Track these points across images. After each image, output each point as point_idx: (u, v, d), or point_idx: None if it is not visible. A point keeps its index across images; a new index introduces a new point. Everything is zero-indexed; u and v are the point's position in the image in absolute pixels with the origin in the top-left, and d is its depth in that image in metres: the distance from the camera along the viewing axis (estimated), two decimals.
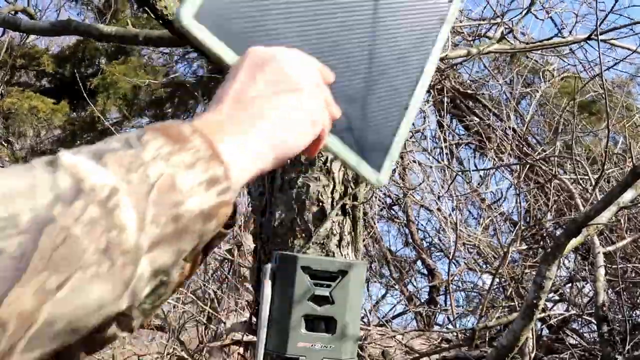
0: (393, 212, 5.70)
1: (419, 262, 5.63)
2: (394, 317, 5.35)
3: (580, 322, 4.49)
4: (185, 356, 4.88)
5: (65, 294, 0.46)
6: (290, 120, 0.62)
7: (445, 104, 4.73)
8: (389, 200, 5.55)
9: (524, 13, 2.80)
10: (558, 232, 4.35)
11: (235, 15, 0.68)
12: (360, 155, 0.76)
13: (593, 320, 3.58)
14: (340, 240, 1.65)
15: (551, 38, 2.81)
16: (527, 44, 2.71)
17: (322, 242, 1.62)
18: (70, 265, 0.46)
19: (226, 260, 5.42)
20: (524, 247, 4.78)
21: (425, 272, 5.58)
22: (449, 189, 4.66)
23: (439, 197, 4.83)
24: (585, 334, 4.47)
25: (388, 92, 0.82)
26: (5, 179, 0.47)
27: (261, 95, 0.61)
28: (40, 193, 0.46)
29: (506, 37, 2.61)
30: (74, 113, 6.89)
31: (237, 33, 0.68)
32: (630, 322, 3.36)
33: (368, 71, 0.80)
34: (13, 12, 3.03)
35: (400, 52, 0.84)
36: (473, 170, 5.33)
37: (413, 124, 4.76)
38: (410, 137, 4.82)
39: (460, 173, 5.05)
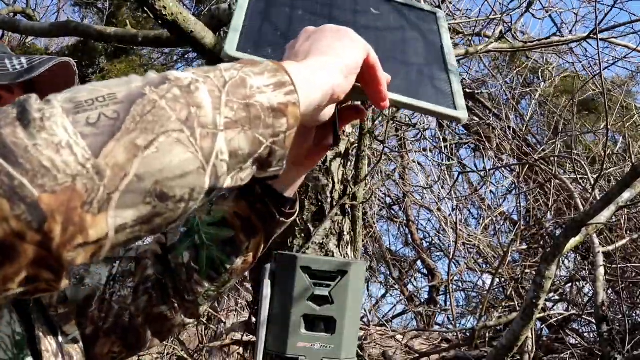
0: (393, 212, 5.70)
1: (419, 262, 5.63)
2: (394, 317, 5.36)
3: (580, 322, 4.49)
4: (185, 356, 4.88)
5: (152, 152, 0.53)
6: (343, 63, 0.70)
7: None
8: (389, 200, 5.56)
9: (522, 12, 2.80)
10: (558, 232, 4.35)
11: (267, 38, 0.82)
12: (432, 102, 0.78)
13: (593, 320, 3.58)
14: (339, 240, 1.65)
15: (550, 37, 2.81)
16: (525, 42, 2.71)
17: (321, 242, 1.62)
18: (156, 128, 0.53)
19: None
20: (524, 247, 4.78)
21: (425, 272, 5.59)
22: (450, 190, 4.66)
23: (439, 198, 4.83)
24: (585, 334, 4.48)
25: (419, 60, 0.87)
26: (107, 81, 0.56)
27: (325, 41, 0.71)
28: (134, 82, 0.56)
29: (505, 36, 2.60)
30: None
31: (272, 48, 0.80)
32: (630, 321, 3.36)
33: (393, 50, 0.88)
34: (12, 14, 3.02)
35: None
36: (473, 171, 5.33)
37: (413, 125, 4.76)
38: (412, 136, 4.83)
39: (460, 173, 5.06)
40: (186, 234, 0.91)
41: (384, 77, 0.74)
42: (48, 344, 0.77)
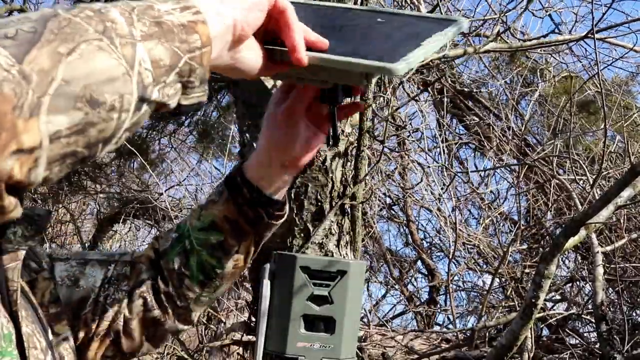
0: (393, 212, 5.70)
1: (419, 262, 5.63)
2: (393, 317, 5.36)
3: (580, 322, 4.49)
4: (185, 356, 4.88)
5: (75, 57, 0.54)
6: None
7: (445, 103, 4.73)
8: (388, 200, 5.56)
9: (521, 11, 2.80)
10: (558, 232, 4.35)
11: None
12: (368, 57, 0.73)
13: (592, 320, 3.58)
14: (339, 240, 1.66)
15: (547, 35, 2.81)
16: (524, 41, 2.71)
17: (320, 242, 1.63)
18: (76, 38, 0.55)
19: None
20: (524, 247, 4.78)
21: (425, 272, 5.58)
22: (447, 188, 4.66)
23: (439, 198, 4.83)
24: (585, 334, 4.48)
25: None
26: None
27: None
28: (45, 10, 0.57)
29: (504, 35, 2.61)
30: None
31: None
32: (629, 321, 3.36)
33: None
34: (9, 12, 3.02)
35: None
36: (472, 171, 5.33)
37: (411, 124, 4.75)
38: (410, 136, 4.83)
39: (460, 173, 5.06)
40: (177, 240, 0.91)
41: (298, 26, 0.74)
42: (37, 340, 0.78)
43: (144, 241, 6.88)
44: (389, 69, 0.71)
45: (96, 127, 0.56)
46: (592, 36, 2.52)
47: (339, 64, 0.74)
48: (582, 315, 4.07)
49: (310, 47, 0.75)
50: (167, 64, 0.61)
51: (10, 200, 0.53)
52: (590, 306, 3.69)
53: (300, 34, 0.74)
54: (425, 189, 5.02)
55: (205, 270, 0.90)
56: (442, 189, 4.73)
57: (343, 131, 1.64)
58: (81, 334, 0.89)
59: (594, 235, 3.06)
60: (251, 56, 0.74)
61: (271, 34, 0.76)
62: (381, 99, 2.59)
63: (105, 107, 0.55)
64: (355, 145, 1.67)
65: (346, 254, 1.65)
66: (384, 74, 0.74)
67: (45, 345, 0.79)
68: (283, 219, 0.93)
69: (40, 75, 0.52)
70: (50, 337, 0.82)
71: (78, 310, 0.89)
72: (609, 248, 3.44)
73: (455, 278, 5.03)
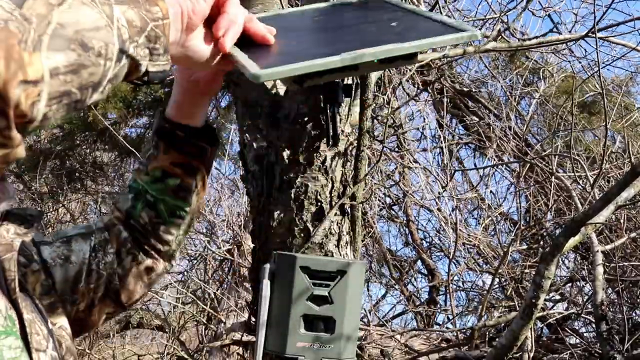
0: (393, 212, 5.69)
1: (419, 262, 5.63)
2: (393, 317, 5.35)
3: (579, 322, 4.49)
4: (185, 356, 4.88)
5: (65, 7, 0.61)
6: None
7: (445, 103, 4.72)
8: (388, 200, 5.55)
9: (520, 10, 2.80)
10: (558, 232, 4.35)
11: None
12: (259, 61, 0.78)
13: (592, 320, 3.58)
14: (339, 240, 1.65)
15: (546, 34, 2.81)
16: (524, 40, 2.71)
17: (320, 242, 1.62)
18: None
19: (226, 261, 5.42)
20: (524, 247, 4.78)
21: (425, 272, 5.58)
22: (446, 187, 4.66)
23: (439, 197, 4.83)
24: (584, 334, 4.47)
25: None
26: None
27: None
28: None
29: (504, 35, 2.61)
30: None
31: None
32: (629, 321, 3.36)
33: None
34: None
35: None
36: (472, 169, 5.33)
37: (407, 124, 4.75)
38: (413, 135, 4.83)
39: (459, 172, 5.06)
40: (135, 198, 0.98)
41: (231, 15, 0.80)
42: (38, 328, 0.80)
43: None
44: (248, 75, 0.75)
45: (87, 69, 0.62)
46: (593, 35, 2.52)
47: (235, 58, 0.79)
48: (582, 315, 4.07)
49: (254, 36, 0.82)
50: (139, 26, 0.68)
51: (16, 134, 0.58)
52: (590, 306, 3.68)
53: (227, 21, 0.80)
54: (426, 189, 5.01)
55: (176, 213, 0.98)
56: (442, 187, 4.73)
57: (343, 131, 1.63)
58: (82, 305, 0.94)
59: (594, 235, 3.05)
60: (199, 45, 0.80)
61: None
62: (381, 99, 2.59)
63: (94, 52, 0.62)
64: (355, 145, 1.67)
65: (346, 254, 1.65)
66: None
67: (46, 333, 0.81)
68: (220, 139, 1.02)
69: (39, 18, 0.58)
70: (50, 325, 0.83)
71: (76, 284, 0.93)
72: (608, 247, 3.44)
73: (455, 278, 5.03)
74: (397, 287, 5.42)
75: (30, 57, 0.57)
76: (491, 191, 5.24)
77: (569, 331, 4.22)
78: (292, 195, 1.58)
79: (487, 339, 3.57)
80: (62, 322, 0.90)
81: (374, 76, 1.68)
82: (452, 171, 4.73)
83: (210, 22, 0.81)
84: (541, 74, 5.34)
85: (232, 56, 0.80)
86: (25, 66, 0.56)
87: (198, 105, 0.96)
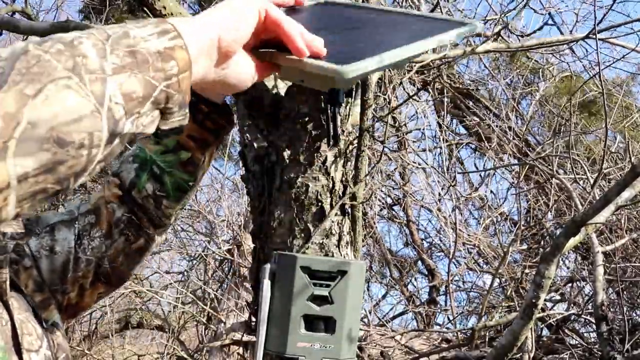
0: (393, 212, 5.69)
1: (419, 262, 5.63)
2: (393, 317, 5.35)
3: (580, 322, 4.49)
4: (185, 356, 4.88)
5: (41, 100, 0.54)
6: (228, 14, 0.72)
7: (445, 103, 4.72)
8: (389, 200, 5.55)
9: (520, 8, 2.80)
10: (558, 232, 4.35)
11: None
12: (335, 62, 0.75)
13: (593, 320, 3.58)
14: (339, 240, 1.65)
15: (541, 27, 2.82)
16: (524, 40, 2.71)
17: (321, 242, 1.62)
18: (43, 78, 0.54)
19: (226, 261, 5.42)
20: (524, 247, 4.78)
21: (426, 272, 5.58)
22: (448, 190, 4.65)
23: (439, 198, 4.83)
24: (585, 334, 4.47)
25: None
26: None
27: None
28: (18, 45, 0.56)
29: (504, 35, 2.61)
30: None
31: None
32: (629, 321, 3.36)
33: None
34: (11, 13, 3.01)
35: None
36: (473, 172, 5.33)
37: (406, 125, 4.74)
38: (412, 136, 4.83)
39: (460, 173, 5.05)
40: (140, 169, 0.95)
41: (297, 30, 0.75)
42: (32, 327, 0.79)
43: None
44: (338, 73, 0.73)
45: (65, 164, 0.56)
46: (594, 36, 2.52)
47: (312, 67, 0.76)
48: (582, 316, 4.06)
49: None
50: (141, 95, 0.61)
51: None
52: (590, 306, 3.68)
53: (300, 38, 0.76)
54: (426, 189, 5.01)
55: (180, 186, 0.95)
56: (442, 189, 4.73)
57: (343, 131, 1.64)
58: (74, 293, 0.93)
59: (594, 235, 3.05)
60: (240, 70, 0.76)
61: (265, 39, 0.78)
62: (381, 99, 2.59)
63: (74, 146, 0.56)
64: (356, 145, 1.67)
65: (347, 254, 1.65)
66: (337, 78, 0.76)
67: (40, 332, 0.80)
68: (233, 126, 1.00)
69: (6, 119, 0.52)
70: (44, 324, 0.83)
71: (64, 274, 0.92)
72: (609, 248, 3.44)
73: (456, 278, 5.03)
74: (397, 287, 5.42)
75: None
76: (491, 191, 5.25)
77: (569, 331, 4.22)
78: (293, 196, 1.58)
79: (487, 339, 3.57)
80: (54, 319, 0.89)
81: (374, 76, 1.68)
82: (454, 176, 4.72)
83: (256, 43, 0.78)
84: (541, 74, 5.33)
85: (304, 64, 0.76)
86: None
87: (218, 83, 0.93)
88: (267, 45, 0.78)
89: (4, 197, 0.54)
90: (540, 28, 2.88)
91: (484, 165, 5.25)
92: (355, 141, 1.66)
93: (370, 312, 4.57)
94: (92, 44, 0.59)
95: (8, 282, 0.78)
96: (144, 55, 0.62)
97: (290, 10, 0.93)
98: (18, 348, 0.75)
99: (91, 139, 0.58)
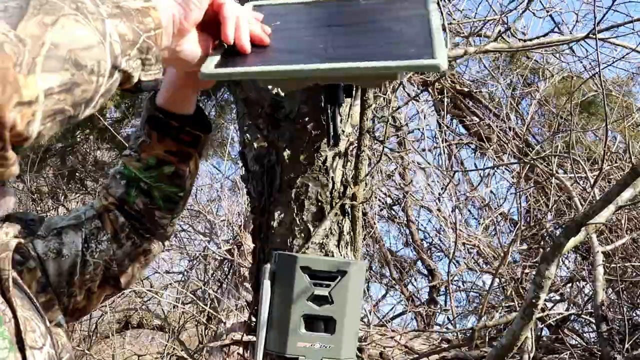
0: (393, 212, 5.69)
1: (419, 262, 5.63)
2: (393, 318, 5.35)
3: (580, 322, 4.49)
4: (185, 356, 4.88)
5: (58, 27, 0.62)
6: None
7: (445, 103, 4.72)
8: (389, 200, 5.55)
9: (521, 11, 2.80)
10: (558, 232, 4.35)
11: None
12: (399, 59, 0.76)
13: (593, 320, 3.58)
14: (339, 240, 1.65)
15: (547, 34, 2.81)
16: (525, 41, 2.71)
17: (321, 242, 1.62)
18: (56, 12, 0.62)
19: (226, 261, 5.42)
20: (524, 247, 4.78)
21: (425, 272, 5.58)
22: (446, 188, 4.65)
23: (439, 198, 4.82)
24: (584, 334, 4.47)
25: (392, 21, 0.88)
26: None
27: None
28: None
29: (504, 36, 2.61)
30: None
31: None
32: (629, 321, 3.36)
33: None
34: None
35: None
36: (472, 170, 5.33)
37: (408, 125, 4.74)
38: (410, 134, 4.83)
39: (459, 172, 5.06)
40: (128, 185, 0.99)
41: (233, 16, 0.83)
42: (35, 325, 0.80)
43: None
44: (438, 66, 0.74)
45: (80, 87, 0.63)
46: (594, 36, 2.52)
47: (359, 69, 0.77)
48: (582, 316, 4.06)
49: (252, 39, 0.84)
50: (131, 39, 0.69)
51: (12, 154, 0.60)
52: (590, 306, 3.68)
53: (232, 26, 0.83)
54: (426, 189, 5.01)
55: (171, 199, 0.99)
56: (442, 188, 4.73)
57: (343, 131, 1.63)
58: (80, 296, 0.95)
59: (594, 236, 3.05)
60: (191, 48, 0.83)
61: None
62: (381, 99, 2.59)
63: (87, 70, 0.64)
64: (356, 145, 1.67)
65: (346, 254, 1.65)
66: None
67: (44, 330, 0.81)
68: (212, 125, 1.04)
69: (33, 39, 0.59)
70: (48, 323, 0.83)
71: (71, 277, 0.93)
72: (609, 248, 3.44)
73: (456, 278, 5.03)
74: (397, 287, 5.41)
75: (25, 79, 0.58)
76: (491, 191, 5.25)
77: (569, 331, 4.22)
78: (293, 196, 1.58)
79: (487, 339, 3.57)
80: (58, 319, 0.90)
81: None
82: (453, 173, 4.72)
83: (205, 24, 0.84)
84: (541, 74, 5.33)
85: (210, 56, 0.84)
86: (20, 89, 0.57)
87: (190, 95, 0.97)
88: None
89: (33, 110, 0.59)
90: (546, 35, 2.87)
91: (484, 165, 5.25)
92: (356, 141, 1.66)
93: (370, 312, 4.57)
94: None
95: (11, 280, 0.78)
96: (128, 9, 0.70)
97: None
98: (21, 345, 0.75)
99: (99, 67, 0.65)
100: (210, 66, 0.81)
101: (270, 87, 1.57)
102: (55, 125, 0.64)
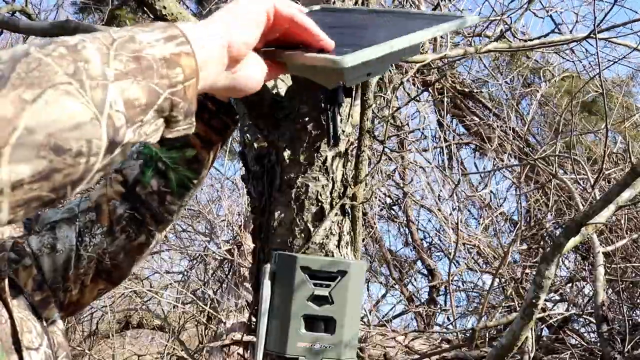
0: (393, 212, 5.69)
1: (419, 262, 5.63)
2: (394, 317, 5.35)
3: (580, 322, 4.49)
4: (185, 356, 4.88)
5: (40, 105, 0.52)
6: (237, 18, 0.71)
7: (446, 103, 4.72)
8: (389, 200, 5.55)
9: (522, 11, 2.80)
10: (558, 232, 4.35)
11: None
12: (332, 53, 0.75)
13: (593, 320, 3.58)
14: (339, 240, 1.65)
15: (548, 34, 2.81)
16: (525, 41, 2.70)
17: (321, 242, 1.62)
18: (43, 83, 0.53)
19: (226, 261, 5.42)
20: (524, 247, 4.78)
21: (425, 272, 5.58)
22: (453, 191, 4.65)
23: (439, 198, 4.82)
24: (585, 334, 4.47)
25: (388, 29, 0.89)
26: None
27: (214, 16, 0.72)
28: (19, 47, 0.55)
29: (505, 36, 2.60)
30: None
31: None
32: (630, 321, 3.36)
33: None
34: (11, 12, 3.01)
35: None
36: (473, 173, 5.32)
37: (409, 125, 4.74)
38: (411, 135, 4.83)
39: (461, 175, 5.05)
40: (145, 165, 0.95)
41: (311, 23, 0.75)
42: (32, 325, 0.79)
43: None
44: (336, 61, 0.72)
45: (62, 172, 0.55)
46: (594, 36, 2.52)
47: (312, 60, 0.75)
48: (583, 316, 4.06)
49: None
50: (143, 103, 0.59)
51: None
52: (590, 306, 3.68)
53: (318, 30, 0.76)
54: (426, 190, 5.01)
55: (185, 184, 0.96)
56: (442, 188, 4.73)
57: (343, 131, 1.63)
58: (75, 291, 0.93)
59: (594, 236, 3.05)
60: (250, 73, 0.74)
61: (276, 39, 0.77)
62: (381, 99, 2.59)
63: (71, 154, 0.55)
64: (356, 145, 1.67)
65: (346, 254, 1.65)
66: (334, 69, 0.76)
67: (40, 330, 0.80)
68: (232, 129, 1.00)
69: (2, 124, 0.51)
70: (44, 323, 0.83)
71: (66, 272, 0.92)
72: (609, 248, 3.44)
73: (456, 278, 5.03)
74: (397, 287, 5.42)
75: None
76: (491, 191, 5.25)
77: (570, 331, 4.21)
78: (293, 196, 1.58)
79: (487, 339, 3.57)
80: (54, 317, 0.90)
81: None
82: (456, 174, 4.72)
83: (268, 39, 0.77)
84: (541, 74, 5.33)
85: (305, 57, 0.76)
86: None
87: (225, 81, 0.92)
88: (270, 45, 0.78)
89: None
90: (546, 35, 2.87)
91: (484, 165, 5.25)
92: (356, 141, 1.66)
93: (370, 312, 4.57)
94: (97, 48, 0.58)
95: (7, 281, 0.78)
96: (149, 61, 0.60)
97: None
98: (18, 346, 0.75)
99: (89, 147, 0.56)
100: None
101: (270, 87, 1.57)
102: (32, 211, 0.57)
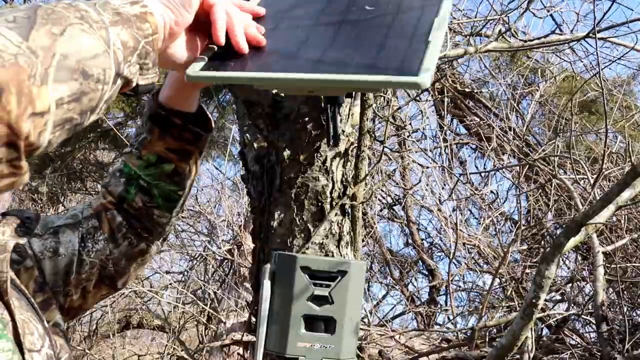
0: (394, 212, 5.69)
1: (419, 262, 5.63)
2: (394, 317, 5.35)
3: (580, 322, 4.49)
4: (186, 356, 4.88)
5: (66, 37, 0.64)
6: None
7: (446, 103, 4.72)
8: (389, 200, 5.55)
9: (522, 11, 2.80)
10: (558, 232, 4.35)
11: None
12: (385, 73, 0.74)
13: (593, 320, 3.58)
14: (339, 240, 1.65)
15: (548, 35, 2.80)
16: (525, 41, 2.70)
17: (321, 242, 1.62)
18: (62, 22, 0.65)
19: (226, 261, 5.42)
20: (524, 247, 4.78)
21: (426, 272, 5.58)
22: (451, 192, 4.65)
23: (439, 198, 4.83)
24: (585, 334, 4.47)
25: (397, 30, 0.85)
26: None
27: None
28: (25, 5, 0.67)
29: (505, 35, 2.60)
30: None
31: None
32: (630, 321, 3.36)
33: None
34: None
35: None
36: (473, 173, 5.33)
37: (411, 124, 4.74)
38: (409, 136, 4.83)
39: (461, 175, 5.06)
40: (128, 183, 0.99)
41: (221, 18, 0.83)
42: (33, 327, 0.80)
43: None
44: (416, 84, 0.73)
45: (87, 96, 0.65)
46: (594, 36, 2.52)
47: (352, 84, 0.76)
48: (582, 316, 4.06)
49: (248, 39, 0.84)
50: (131, 46, 0.71)
51: (25, 163, 0.62)
52: (590, 306, 3.68)
53: (223, 27, 0.83)
54: (426, 189, 5.01)
55: (170, 197, 0.99)
56: (443, 188, 4.73)
57: (343, 131, 1.63)
58: (76, 295, 0.95)
59: (594, 236, 3.05)
60: (180, 51, 0.84)
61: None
62: (381, 99, 2.59)
63: (93, 79, 0.66)
64: (356, 145, 1.67)
65: (346, 254, 1.65)
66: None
67: (42, 332, 0.81)
68: (214, 125, 1.03)
69: (44, 50, 0.61)
70: (46, 324, 0.83)
71: (67, 276, 0.93)
72: (609, 248, 3.44)
73: (456, 278, 5.03)
74: (397, 287, 5.42)
75: (38, 90, 0.60)
76: (492, 191, 5.24)
77: (570, 331, 4.22)
78: (293, 196, 1.58)
79: (487, 339, 3.57)
80: (56, 319, 0.90)
81: None
82: (456, 174, 4.72)
83: (198, 25, 0.84)
84: (540, 73, 5.33)
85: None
86: (34, 100, 0.59)
87: (192, 93, 0.97)
88: (203, 24, 0.85)
89: (45, 121, 0.61)
90: (547, 36, 2.86)
91: (484, 165, 5.25)
92: (356, 141, 1.66)
93: (370, 312, 4.57)
94: (87, 4, 0.69)
95: (9, 282, 0.78)
96: (127, 16, 0.72)
97: None
98: (20, 348, 0.75)
99: (104, 75, 0.67)
100: (196, 68, 0.80)
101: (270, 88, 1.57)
102: (64, 133, 0.66)
